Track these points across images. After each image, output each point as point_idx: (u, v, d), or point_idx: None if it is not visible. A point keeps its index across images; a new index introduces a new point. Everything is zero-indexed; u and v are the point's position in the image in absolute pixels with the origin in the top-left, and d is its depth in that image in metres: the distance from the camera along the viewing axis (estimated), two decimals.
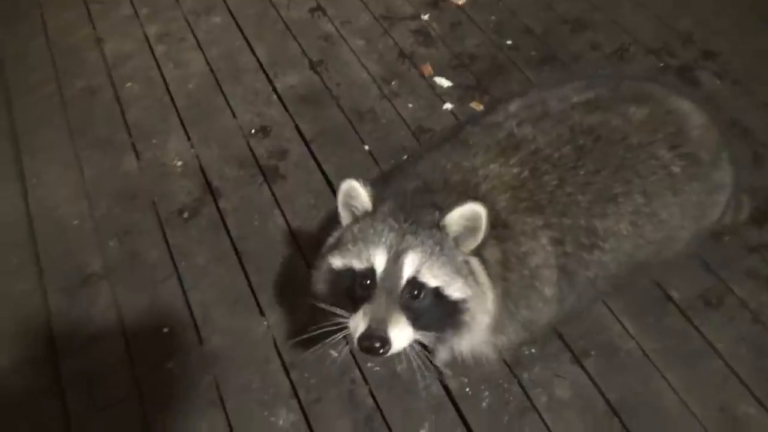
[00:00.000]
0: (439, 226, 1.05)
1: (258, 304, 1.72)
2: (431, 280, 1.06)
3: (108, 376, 1.64)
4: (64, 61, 2.52)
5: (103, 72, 2.45)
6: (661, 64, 2.23)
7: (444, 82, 2.24)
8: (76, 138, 2.23)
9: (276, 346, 1.65)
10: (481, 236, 1.05)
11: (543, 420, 1.48)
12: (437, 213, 1.07)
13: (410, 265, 1.05)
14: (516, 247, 1.16)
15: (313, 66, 2.35)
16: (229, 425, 1.52)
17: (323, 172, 2.01)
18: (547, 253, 1.18)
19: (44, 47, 2.57)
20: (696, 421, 1.45)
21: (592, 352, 1.58)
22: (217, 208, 1.95)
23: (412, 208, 1.08)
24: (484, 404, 1.51)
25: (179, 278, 1.79)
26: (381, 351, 1.01)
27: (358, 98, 2.23)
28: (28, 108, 2.37)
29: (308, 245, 1.86)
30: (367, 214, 1.10)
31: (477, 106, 2.14)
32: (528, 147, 1.21)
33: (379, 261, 1.05)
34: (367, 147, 2.08)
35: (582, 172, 1.20)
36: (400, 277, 1.04)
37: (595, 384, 1.53)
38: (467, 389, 1.52)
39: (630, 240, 1.25)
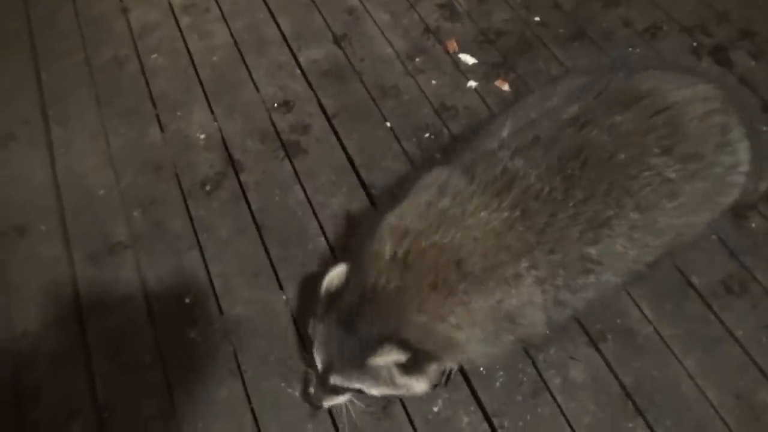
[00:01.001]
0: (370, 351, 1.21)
1: (277, 278, 1.75)
2: (352, 385, 1.30)
3: (132, 342, 1.69)
4: (91, 30, 2.54)
5: (129, 42, 2.47)
6: (695, 44, 2.17)
7: (469, 59, 2.21)
8: (103, 108, 2.26)
9: (294, 320, 1.68)
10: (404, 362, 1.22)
11: (556, 401, 1.49)
12: (372, 340, 1.20)
13: (333, 379, 1.29)
14: (484, 300, 1.19)
15: (336, 40, 2.33)
16: (247, 394, 1.56)
17: (344, 148, 2.01)
18: (531, 293, 1.19)
19: (72, 16, 2.60)
20: (711, 407, 1.45)
21: (609, 336, 1.57)
22: (239, 181, 1.97)
23: (353, 320, 1.22)
24: (497, 384, 1.52)
25: (201, 250, 1.82)
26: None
27: (382, 74, 2.21)
28: (56, 76, 2.40)
29: (328, 220, 1.87)
30: (321, 319, 1.29)
31: (501, 84, 2.11)
32: (520, 185, 1.19)
33: (318, 364, 1.32)
34: (388, 124, 2.06)
35: (572, 204, 1.18)
36: (327, 380, 1.30)
37: (610, 368, 1.53)
38: (481, 369, 1.53)
39: (630, 254, 1.23)
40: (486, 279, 1.17)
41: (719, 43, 2.18)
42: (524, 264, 1.17)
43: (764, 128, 1.90)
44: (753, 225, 1.71)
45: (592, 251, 1.19)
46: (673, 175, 1.21)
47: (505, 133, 1.28)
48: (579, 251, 1.19)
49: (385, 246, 1.22)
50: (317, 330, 1.28)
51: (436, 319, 1.19)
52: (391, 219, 1.26)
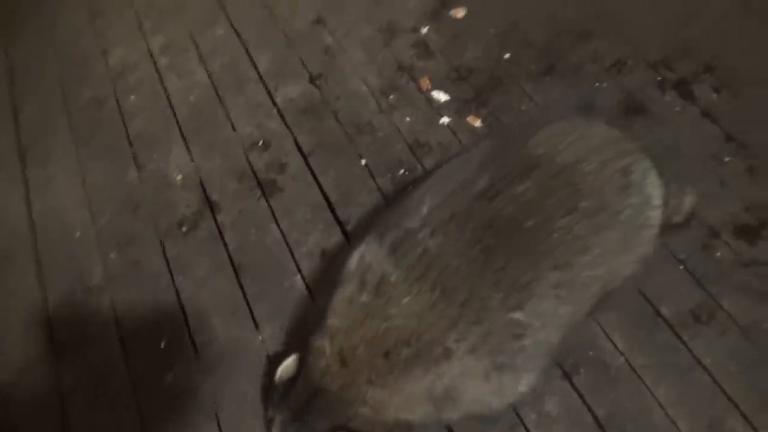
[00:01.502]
0: None
1: (253, 317, 1.76)
2: None
3: (108, 385, 1.69)
4: (70, 70, 2.58)
5: (108, 83, 2.50)
6: (659, 78, 2.24)
7: (441, 96, 2.26)
8: (81, 148, 2.29)
9: (269, 360, 1.68)
10: None
11: None
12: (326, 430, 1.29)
13: None
14: (416, 386, 1.23)
15: (312, 79, 2.38)
16: None
17: (320, 186, 2.04)
18: (464, 365, 1.21)
19: (51, 56, 2.63)
20: None
21: (582, 369, 1.59)
22: (216, 221, 1.98)
23: (307, 411, 1.31)
24: (473, 420, 1.52)
25: (177, 290, 1.83)
26: None
27: (357, 111, 2.25)
28: (34, 116, 2.43)
29: (304, 258, 1.89)
30: (277, 406, 1.36)
31: (473, 121, 2.16)
32: (440, 264, 1.23)
33: None
34: (363, 160, 2.10)
35: (490, 273, 1.21)
36: None
37: (583, 400, 1.54)
38: None
39: (561, 310, 1.26)
40: (414, 365, 1.21)
41: (683, 78, 2.26)
42: (452, 338, 1.20)
43: (727, 158, 1.96)
44: (718, 254, 1.75)
45: (518, 315, 1.22)
46: (582, 231, 1.25)
47: (425, 209, 1.30)
48: (505, 317, 1.22)
49: (325, 344, 1.28)
50: (275, 417, 1.34)
51: (379, 410, 1.25)
52: (329, 315, 1.30)
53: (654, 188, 1.37)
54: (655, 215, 1.38)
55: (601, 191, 1.30)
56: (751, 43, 2.39)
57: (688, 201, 1.70)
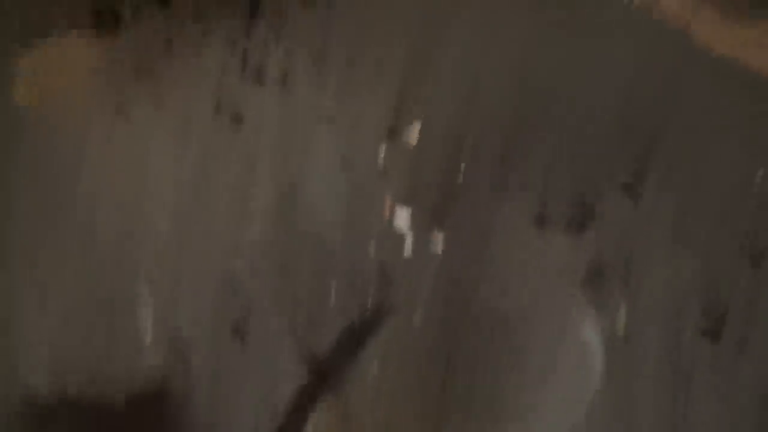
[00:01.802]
0: None
1: None
2: None
3: None
4: (45, 215, 2.61)
5: (74, 233, 2.53)
6: (607, 176, 2.30)
7: (404, 217, 2.33)
8: (42, 306, 2.28)
9: None
10: None
11: None
12: None
13: None
14: None
15: (276, 214, 2.44)
16: None
17: (291, 327, 2.06)
18: None
19: (15, 189, 2.67)
20: None
21: None
22: (186, 377, 1.98)
23: None
24: None
25: None
26: None
27: (322, 244, 2.30)
28: None
29: (279, 403, 1.88)
30: None
31: (435, 241, 2.22)
32: (394, 401, 1.29)
33: None
34: (333, 294, 2.13)
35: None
36: None
37: None
38: None
39: None
40: None
41: (633, 171, 2.32)
42: None
43: (679, 257, 2.02)
44: (684, 357, 1.78)
45: None
46: (530, 387, 1.34)
47: (378, 358, 1.38)
48: None
49: None
50: None
51: None
52: None
53: (595, 337, 1.43)
54: (597, 364, 1.45)
55: (547, 346, 1.38)
56: (696, 117, 2.53)
57: (622, 314, 1.76)
